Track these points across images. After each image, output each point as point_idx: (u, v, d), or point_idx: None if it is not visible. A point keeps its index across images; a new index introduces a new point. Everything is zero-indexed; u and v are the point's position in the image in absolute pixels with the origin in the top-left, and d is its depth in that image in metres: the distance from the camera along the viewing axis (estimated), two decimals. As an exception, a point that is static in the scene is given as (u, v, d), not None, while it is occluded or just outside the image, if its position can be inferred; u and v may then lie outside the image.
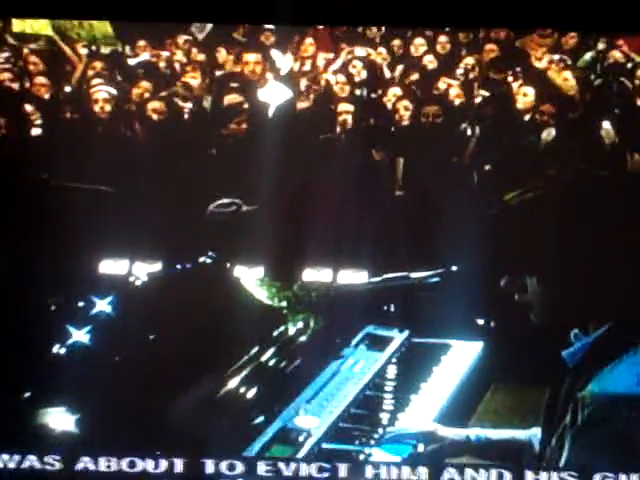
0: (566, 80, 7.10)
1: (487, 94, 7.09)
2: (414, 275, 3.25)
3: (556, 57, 7.50)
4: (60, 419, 2.62)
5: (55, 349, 2.85)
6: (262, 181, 5.29)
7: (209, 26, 7.71)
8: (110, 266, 4.70)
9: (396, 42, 7.91)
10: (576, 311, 2.36)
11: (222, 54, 7.45)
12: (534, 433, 2.75)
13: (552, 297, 2.36)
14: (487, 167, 6.33)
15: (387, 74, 7.56)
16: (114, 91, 6.71)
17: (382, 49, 7.88)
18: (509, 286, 2.41)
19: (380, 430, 3.14)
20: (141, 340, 3.01)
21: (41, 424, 2.62)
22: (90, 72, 7.11)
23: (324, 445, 3.04)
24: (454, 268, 2.97)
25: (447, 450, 2.98)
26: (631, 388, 2.21)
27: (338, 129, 6.47)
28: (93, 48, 7.49)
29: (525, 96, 6.90)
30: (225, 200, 4.86)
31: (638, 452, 2.22)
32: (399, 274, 3.29)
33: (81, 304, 3.02)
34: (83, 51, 7.43)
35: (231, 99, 6.32)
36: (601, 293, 2.31)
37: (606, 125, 6.63)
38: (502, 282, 2.43)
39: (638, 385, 2.21)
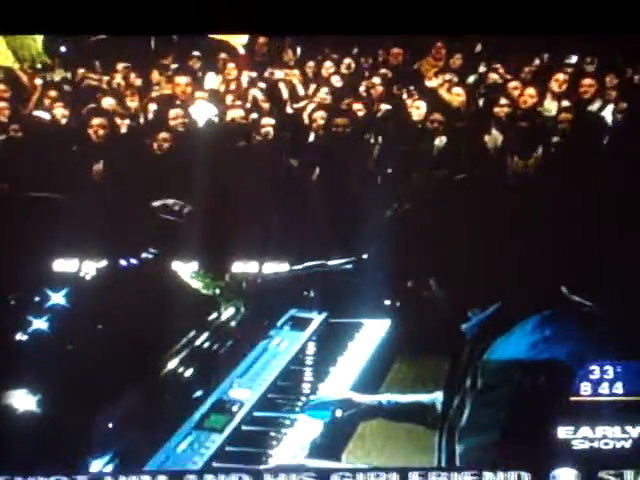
0: (455, 95, 7.21)
1: (387, 108, 7.16)
2: (330, 263, 3.25)
3: (447, 77, 7.63)
4: (23, 400, 2.57)
5: (18, 336, 2.80)
6: (194, 185, 5.28)
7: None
8: (62, 264, 4.63)
9: (309, 64, 7.95)
10: (473, 296, 2.38)
11: (155, 75, 7.40)
12: (437, 397, 2.78)
13: (452, 291, 2.39)
14: (389, 170, 6.39)
15: (301, 92, 7.57)
16: (48, 115, 6.68)
17: (296, 70, 7.90)
18: (415, 287, 2.43)
19: (304, 398, 3.14)
20: (90, 329, 2.97)
21: (6, 404, 2.56)
22: (46, 100, 7.05)
23: (255, 413, 3.04)
24: (364, 256, 2.97)
25: (362, 414, 3.00)
26: (521, 354, 2.25)
27: (260, 139, 6.47)
28: (48, 78, 7.41)
29: (418, 109, 6.98)
30: (165, 201, 4.83)
31: (528, 411, 2.26)
32: (317, 262, 3.29)
33: (38, 298, 2.97)
34: (38, 81, 7.35)
35: (175, 113, 6.32)
36: (492, 279, 2.34)
37: (494, 132, 6.75)
38: (409, 284, 2.45)
39: (527, 352, 2.25)
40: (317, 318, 3.75)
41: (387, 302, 3.43)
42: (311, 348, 3.58)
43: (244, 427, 2.96)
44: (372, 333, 3.71)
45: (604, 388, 2.46)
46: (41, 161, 5.84)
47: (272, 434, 2.92)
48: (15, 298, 2.95)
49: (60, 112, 6.71)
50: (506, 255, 2.33)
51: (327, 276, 3.53)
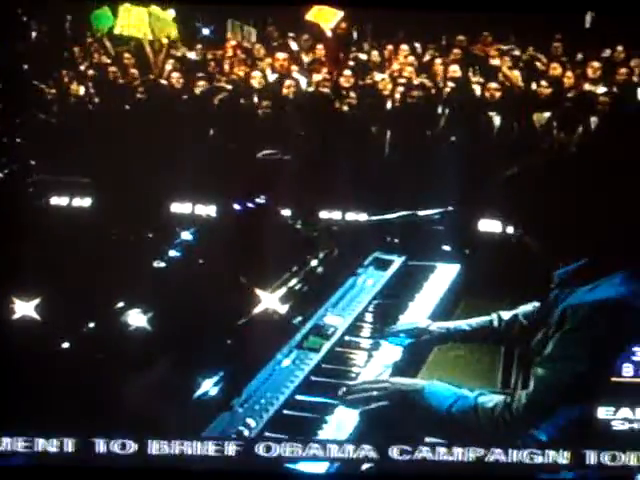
0: (514, 74, 7.00)
1: (452, 85, 6.98)
2: (420, 213, 3.17)
3: (507, 57, 7.42)
4: (136, 318, 2.54)
5: (155, 264, 2.79)
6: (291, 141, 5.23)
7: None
8: (177, 207, 4.59)
9: (389, 47, 7.79)
10: (567, 249, 2.29)
11: (261, 51, 7.32)
12: (492, 317, 2.73)
13: (552, 242, 2.30)
14: (452, 138, 6.24)
15: (380, 74, 7.42)
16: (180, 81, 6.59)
17: (375, 51, 7.74)
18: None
19: (386, 327, 3.09)
20: (213, 260, 2.95)
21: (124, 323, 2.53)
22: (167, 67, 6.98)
23: (346, 337, 2.99)
24: (450, 208, 2.89)
25: (434, 340, 2.92)
26: (609, 303, 2.17)
27: (346, 108, 6.36)
28: (171, 53, 7.30)
29: (479, 85, 6.80)
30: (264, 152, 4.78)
31: (605, 355, 2.16)
32: (409, 212, 3.21)
33: (169, 235, 2.96)
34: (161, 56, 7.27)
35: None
36: (585, 237, 2.26)
37: (543, 113, 6.54)
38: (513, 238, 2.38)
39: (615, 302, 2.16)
40: (397, 260, 3.66)
41: (457, 249, 3.35)
42: (392, 285, 3.51)
43: (337, 349, 2.92)
44: (444, 275, 3.62)
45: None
46: (164, 123, 5.82)
47: (360, 355, 2.88)
48: (152, 232, 2.94)
49: (179, 81, 6.63)
50: (599, 217, 2.24)
51: (412, 224, 3.46)
